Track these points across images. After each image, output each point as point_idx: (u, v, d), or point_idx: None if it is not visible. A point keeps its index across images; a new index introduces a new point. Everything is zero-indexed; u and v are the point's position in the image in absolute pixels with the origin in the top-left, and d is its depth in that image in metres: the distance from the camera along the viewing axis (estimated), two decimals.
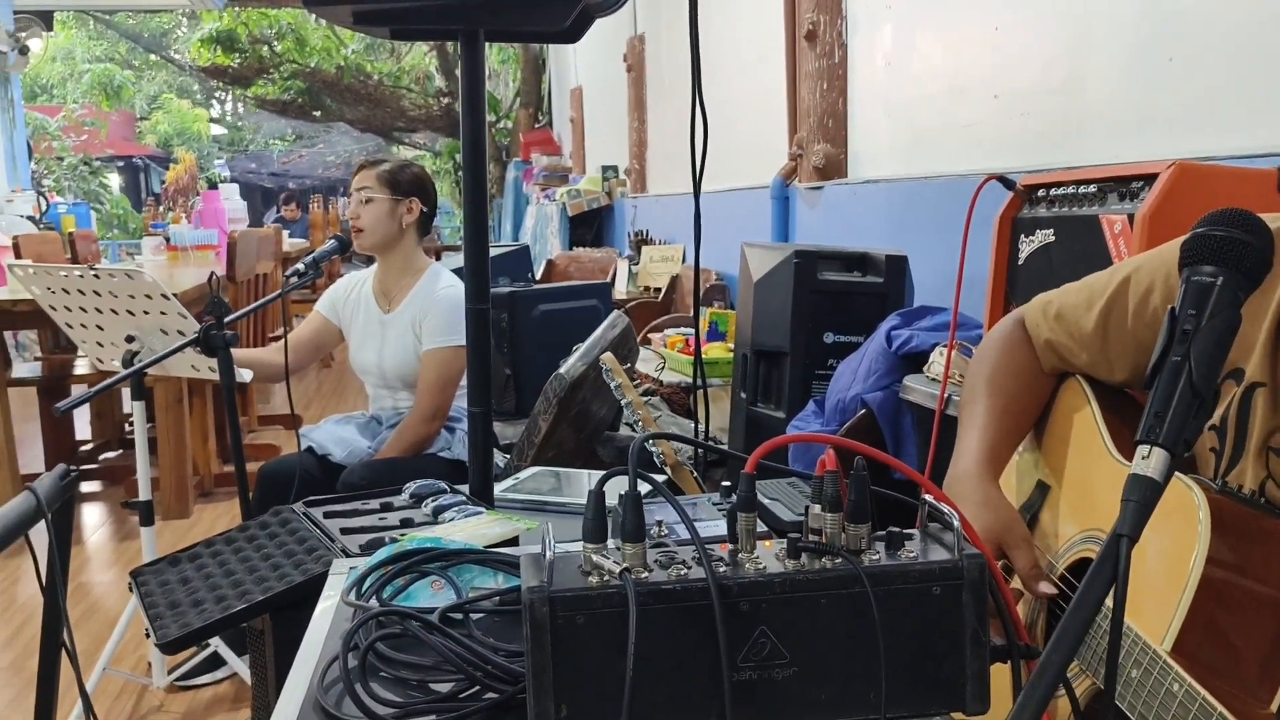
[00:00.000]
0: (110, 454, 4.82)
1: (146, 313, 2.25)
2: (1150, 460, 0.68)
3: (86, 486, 4.46)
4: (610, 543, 0.85)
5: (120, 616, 2.40)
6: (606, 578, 0.82)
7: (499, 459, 2.60)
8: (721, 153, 5.46)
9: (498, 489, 1.74)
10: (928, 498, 0.89)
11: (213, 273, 2.17)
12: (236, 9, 13.01)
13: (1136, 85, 2.16)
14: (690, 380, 3.66)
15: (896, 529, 0.88)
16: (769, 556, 0.85)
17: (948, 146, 3.00)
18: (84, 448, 4.72)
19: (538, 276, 6.88)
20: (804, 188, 3.95)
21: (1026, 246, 1.73)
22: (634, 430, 1.70)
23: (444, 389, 2.50)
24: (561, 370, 2.51)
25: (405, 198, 2.62)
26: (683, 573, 0.83)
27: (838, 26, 3.66)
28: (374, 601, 1.06)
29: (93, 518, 4.09)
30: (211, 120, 22.99)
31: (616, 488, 0.84)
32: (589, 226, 8.13)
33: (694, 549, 0.85)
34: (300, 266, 2.33)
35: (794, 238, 4.07)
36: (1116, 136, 2.23)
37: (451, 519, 1.45)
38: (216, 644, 2.37)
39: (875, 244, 2.95)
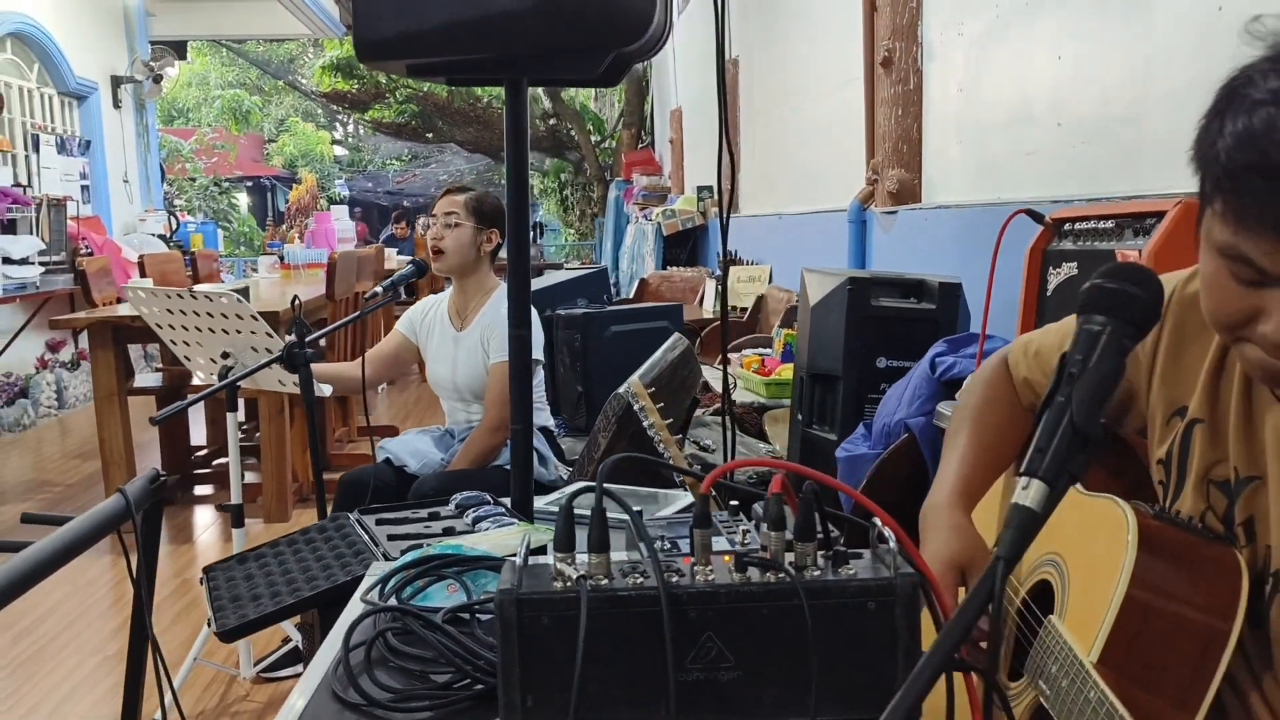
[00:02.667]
0: (223, 460, 5.12)
1: (239, 331, 2.45)
2: (1030, 491, 0.74)
3: (199, 489, 4.76)
4: (586, 555, 0.95)
5: (200, 636, 2.60)
6: (569, 583, 0.92)
7: (564, 472, 2.72)
8: (805, 175, 5.54)
9: (541, 502, 1.86)
10: (876, 521, 0.96)
11: (295, 296, 2.35)
12: None
13: (1196, 116, 2.16)
14: (764, 400, 3.73)
15: (843, 548, 0.95)
16: (722, 569, 0.94)
17: (1014, 173, 3.02)
18: (198, 453, 5.03)
19: (631, 294, 7.04)
20: (880, 212, 3.98)
21: (1054, 278, 1.76)
22: (656, 445, 1.79)
23: (509, 401, 2.63)
24: (621, 390, 2.61)
25: (487, 228, 2.78)
26: (639, 581, 0.92)
27: (913, 53, 3.70)
28: (393, 600, 1.18)
29: (203, 518, 4.37)
30: (333, 142, 23.98)
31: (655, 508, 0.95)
32: (683, 246, 8.25)
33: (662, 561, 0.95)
34: (378, 289, 2.50)
35: (870, 262, 4.10)
36: (1176, 166, 2.23)
37: (486, 529, 1.57)
38: (296, 639, 2.55)
39: (945, 269, 2.98)
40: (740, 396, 3.74)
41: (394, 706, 0.97)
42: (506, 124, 1.66)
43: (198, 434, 5.25)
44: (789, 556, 0.94)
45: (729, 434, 2.16)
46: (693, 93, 9.00)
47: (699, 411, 3.50)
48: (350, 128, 25.32)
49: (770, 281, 5.79)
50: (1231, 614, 0.84)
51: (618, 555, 0.96)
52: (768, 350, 4.39)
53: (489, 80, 1.68)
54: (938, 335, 2.46)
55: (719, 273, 6.69)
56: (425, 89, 14.29)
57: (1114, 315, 0.77)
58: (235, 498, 2.53)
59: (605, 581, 0.92)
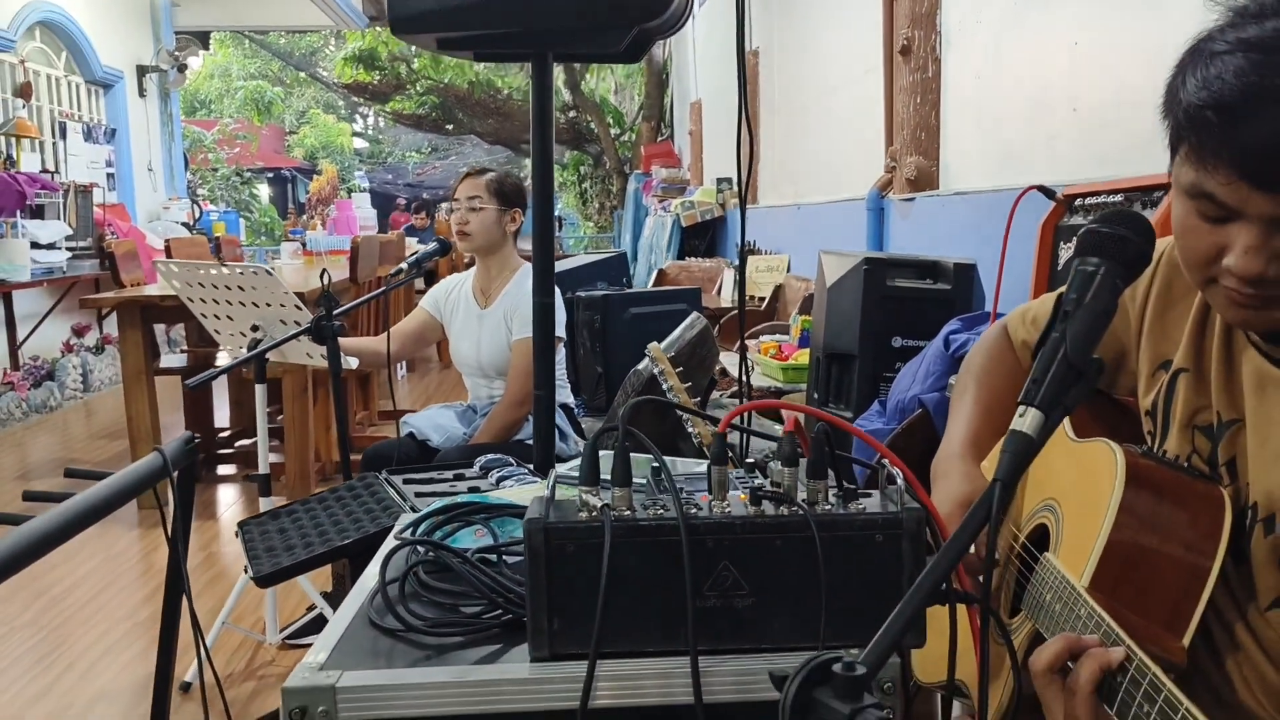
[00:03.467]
0: (246, 441, 5.21)
1: (269, 305, 2.52)
2: (1026, 418, 0.80)
3: (222, 469, 4.85)
4: (611, 489, 1.01)
5: (240, 578, 2.68)
6: (594, 514, 0.98)
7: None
8: (824, 164, 5.58)
9: (561, 469, 1.92)
10: (884, 462, 1.02)
11: (324, 270, 2.42)
12: (378, 28, 13.71)
13: None
14: (780, 385, 3.78)
15: (852, 486, 1.01)
16: (737, 504, 1.00)
17: (1031, 159, 3.06)
18: (222, 434, 5.12)
19: (649, 284, 7.10)
20: (897, 199, 4.02)
21: (1066, 253, 1.81)
22: (685, 424, 1.85)
23: (531, 376, 2.69)
24: (640, 366, 2.67)
25: (510, 208, 2.84)
26: (659, 513, 0.98)
27: (931, 41, 3.74)
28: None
29: (227, 496, 4.46)
30: (354, 134, 24.16)
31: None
32: (702, 237, 8.30)
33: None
34: (402, 266, 2.57)
35: (888, 248, 4.14)
36: None
37: (510, 486, 1.63)
38: (321, 606, 2.62)
39: (961, 255, 3.02)
40: (757, 381, 3.79)
41: (429, 631, 1.03)
42: (533, 98, 1.72)
43: (221, 416, 5.35)
44: (802, 493, 0.99)
45: (746, 441, 2.21)
46: (712, 85, 9.04)
47: (716, 394, 3.55)
48: (371, 119, 25.48)
49: (788, 271, 5.84)
50: (1215, 542, 0.89)
51: (640, 492, 1.02)
52: (785, 336, 4.43)
53: (515, 56, 1.75)
54: (952, 315, 2.51)
55: (737, 263, 6.75)
56: (446, 80, 14.39)
57: (1107, 256, 0.83)
58: (263, 468, 2.60)
59: (628, 513, 0.98)
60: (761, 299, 5.80)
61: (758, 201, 7.20)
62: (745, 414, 1.41)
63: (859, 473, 1.66)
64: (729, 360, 4.15)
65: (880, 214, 4.21)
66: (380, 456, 2.67)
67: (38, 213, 6.21)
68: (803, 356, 3.90)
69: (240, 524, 1.68)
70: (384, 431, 5.25)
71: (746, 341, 4.78)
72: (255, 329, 2.54)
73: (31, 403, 6.26)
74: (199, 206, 9.07)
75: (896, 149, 3.99)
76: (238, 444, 5.14)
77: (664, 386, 1.75)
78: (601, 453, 1.02)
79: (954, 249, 3.37)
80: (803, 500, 0.99)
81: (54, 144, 7.37)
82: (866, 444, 1.90)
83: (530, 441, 2.73)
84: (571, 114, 14.10)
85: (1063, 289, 0.86)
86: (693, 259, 7.58)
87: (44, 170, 6.75)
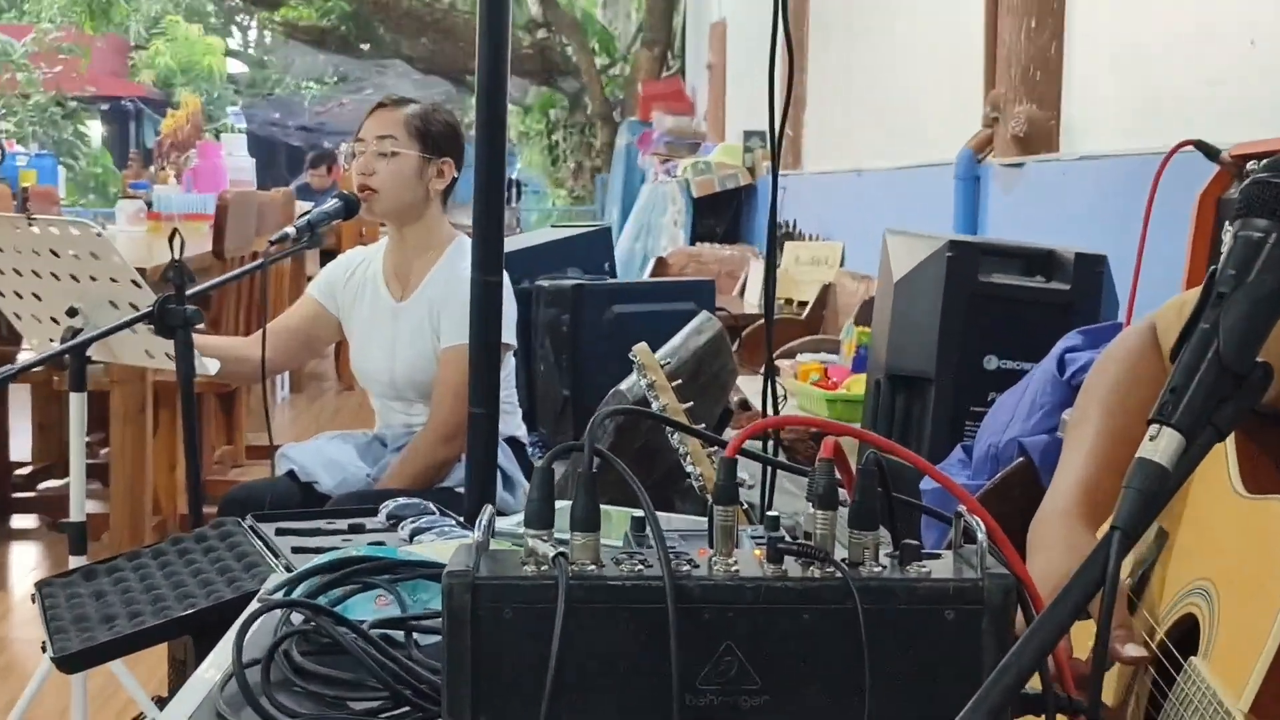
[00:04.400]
0: (54, 483, 5.21)
1: (94, 279, 2.53)
2: (1158, 442, 0.81)
3: (18, 520, 4.85)
4: (569, 535, 1.02)
5: (36, 675, 2.67)
6: (544, 567, 0.98)
7: None
8: (897, 115, 5.66)
9: (504, 523, 1.92)
10: (961, 509, 1.03)
11: (175, 230, 2.43)
12: None
13: None
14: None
15: (914, 542, 1.02)
16: (749, 560, 1.01)
17: (1190, 110, 3.09)
18: (18, 470, 5.12)
19: (644, 276, 7.15)
20: (1000, 164, 4.06)
21: None
22: (684, 462, 1.85)
23: (467, 399, 2.70)
24: (623, 387, 2.69)
25: (437, 157, 2.85)
26: (637, 569, 0.99)
27: None
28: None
29: (24, 557, 4.46)
30: (228, 54, 24.26)
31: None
32: (720, 214, 8.35)
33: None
34: (290, 230, 2.58)
35: (982, 231, 4.18)
36: None
37: (429, 541, 1.64)
38: (151, 714, 2.61)
39: (1086, 243, 3.05)
40: (791, 410, 3.82)
41: None
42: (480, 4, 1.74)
43: (19, 445, 5.34)
44: (840, 548, 1.00)
45: (770, 469, 2.21)
46: (742, 1, 9.12)
47: (731, 432, 3.57)
48: (253, 34, 25.58)
49: (842, 265, 5.88)
50: None
51: (610, 540, 1.03)
52: (833, 356, 4.47)
53: None
54: (1071, 325, 2.53)
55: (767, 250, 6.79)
56: None
57: None
58: (76, 513, 2.60)
59: (592, 568, 0.98)
60: (802, 304, 5.82)
61: (801, 166, 7.24)
62: (767, 433, 1.42)
63: (927, 527, 1.67)
64: (752, 387, 4.17)
65: (974, 185, 4.25)
66: (246, 501, 2.68)
67: None
68: (858, 384, 3.93)
69: (39, 584, 1.68)
70: (256, 473, 5.25)
71: (776, 361, 4.84)
72: (73, 313, 2.55)
73: None
74: (1, 147, 9.10)
75: (1001, 94, 4.03)
76: (41, 486, 5.13)
77: (654, 406, 1.76)
78: (560, 504, 1.03)
79: (1076, 234, 3.39)
80: (843, 559, 1.00)
81: None
82: (936, 485, 1.93)
83: (461, 490, 2.74)
84: (540, 34, 14.19)
85: (1217, 265, 0.87)
86: (706, 244, 7.62)
87: None
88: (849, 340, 4.11)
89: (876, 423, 2.82)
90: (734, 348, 3.59)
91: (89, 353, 2.52)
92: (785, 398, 3.98)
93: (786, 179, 7.28)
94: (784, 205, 7.21)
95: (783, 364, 4.50)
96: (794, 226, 6.75)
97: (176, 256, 2.36)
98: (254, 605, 1.22)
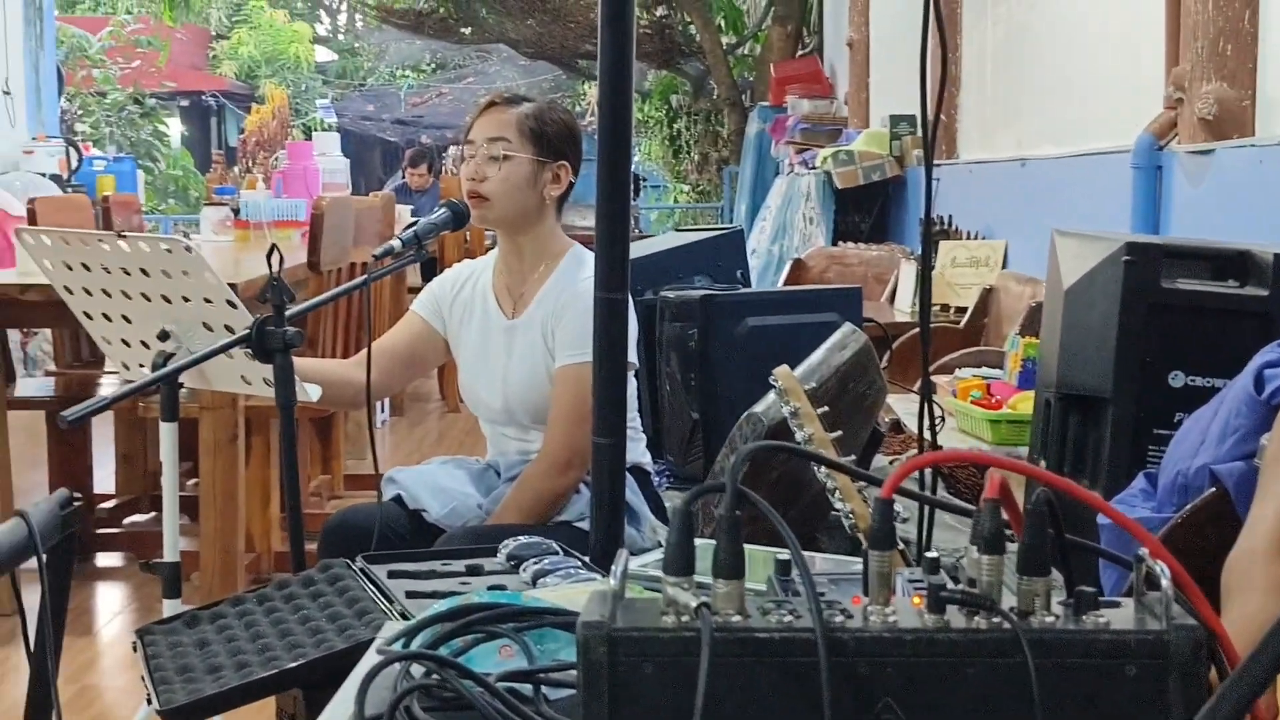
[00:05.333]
0: (139, 517, 5.38)
1: (186, 299, 2.63)
2: None
3: (103, 559, 5.01)
4: (712, 582, 1.06)
5: (139, 713, 2.77)
6: (685, 618, 1.02)
7: (663, 536, 2.83)
8: (1064, 97, 5.61)
9: (636, 563, 1.98)
10: (1143, 553, 1.05)
11: (274, 246, 2.52)
12: None
13: None
14: (988, 447, 3.79)
15: (1092, 590, 1.04)
16: (908, 610, 1.04)
17: None
18: (103, 505, 5.29)
19: (780, 283, 7.17)
20: (1185, 151, 4.02)
21: None
22: (832, 498, 1.87)
23: (584, 422, 2.74)
24: (759, 409, 2.72)
25: (553, 160, 2.91)
26: (786, 620, 1.02)
27: None
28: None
29: (110, 599, 4.60)
30: (315, 41, 24.79)
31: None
32: (865, 210, 8.34)
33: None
34: (395, 243, 2.65)
35: (1166, 229, 4.14)
36: None
37: (553, 584, 1.69)
38: None
39: None
40: (950, 440, 3.81)
41: None
42: None
43: (103, 478, 5.52)
44: (1009, 596, 1.03)
45: (928, 521, 2.23)
46: None
47: (882, 457, 3.58)
48: (343, 18, 26.10)
49: (1004, 266, 5.84)
50: None
51: (753, 583, 1.06)
52: (997, 372, 4.44)
53: None
54: (1270, 336, 2.50)
55: (920, 252, 6.76)
56: None
57: None
58: (170, 552, 2.69)
59: (738, 619, 1.02)
60: (959, 310, 5.80)
61: (956, 155, 7.21)
62: (927, 470, 1.44)
63: (1105, 567, 1.67)
64: (904, 405, 4.17)
65: (1155, 175, 4.20)
66: (350, 530, 2.76)
67: None
68: (1025, 402, 3.90)
69: (140, 632, 1.76)
70: (354, 502, 5.37)
71: (933, 378, 4.82)
72: (165, 337, 2.65)
73: None
74: (78, 150, 9.40)
75: (1186, 71, 3.99)
76: (126, 521, 5.29)
77: (798, 436, 1.78)
78: (700, 542, 1.07)
79: (1276, 232, 3.36)
80: (1011, 608, 1.02)
81: None
82: (1116, 526, 1.93)
83: (583, 524, 2.79)
84: (660, 12, 14.26)
85: None
86: (850, 244, 7.61)
87: None
88: (1014, 352, 4.09)
89: (1046, 447, 2.81)
90: (883, 362, 3.59)
91: (181, 380, 2.62)
92: (943, 418, 3.97)
93: (940, 169, 7.26)
94: (938, 199, 7.19)
95: (939, 379, 4.48)
96: (949, 223, 6.72)
97: (275, 274, 2.44)
98: (375, 658, 1.27)
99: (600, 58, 1.81)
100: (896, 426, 4.21)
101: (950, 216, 6.74)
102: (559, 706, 1.26)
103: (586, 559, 1.86)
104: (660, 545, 2.79)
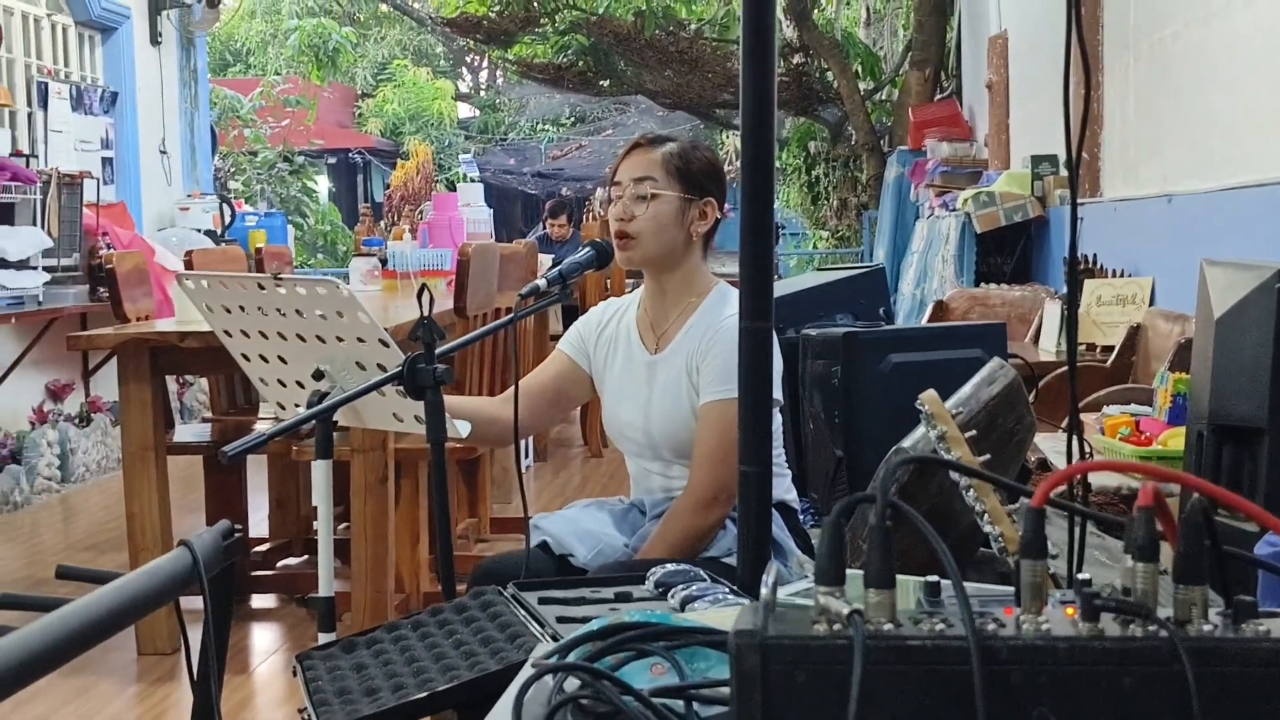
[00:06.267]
0: (292, 560, 5.50)
1: (340, 339, 2.69)
2: None
3: (258, 600, 5.13)
4: (864, 592, 1.07)
5: None
6: (837, 626, 1.03)
7: (809, 570, 2.83)
8: (1213, 128, 5.52)
9: (784, 592, 1.98)
10: None
11: (424, 286, 2.57)
12: None
13: None
14: (1138, 485, 3.73)
15: (1249, 599, 1.03)
16: (1061, 619, 1.03)
17: None
18: (258, 549, 5.42)
19: (923, 320, 7.14)
20: None
21: None
22: (981, 521, 1.86)
23: (729, 458, 2.76)
24: (906, 444, 2.71)
25: (699, 197, 2.94)
26: (938, 628, 1.02)
27: None
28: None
29: (264, 640, 4.71)
30: (458, 97, 25.26)
31: None
32: (1008, 251, 8.28)
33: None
34: (540, 282, 2.70)
35: None
36: None
37: (701, 609, 1.70)
38: None
39: None
40: (1100, 479, 3.76)
41: None
42: (744, 26, 1.82)
43: (257, 521, 5.66)
44: (1166, 606, 1.02)
45: (1078, 531, 2.20)
46: (1025, 9, 9.04)
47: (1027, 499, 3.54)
48: (484, 75, 26.53)
49: (1151, 303, 5.75)
50: None
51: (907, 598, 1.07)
52: (1145, 408, 4.37)
53: None
54: None
55: (1065, 291, 6.68)
56: (600, 10, 14.85)
57: None
58: (325, 587, 2.75)
59: (889, 627, 1.03)
60: (1106, 349, 5.72)
61: (1099, 193, 7.12)
62: (1073, 487, 1.43)
63: (1266, 583, 1.64)
64: (1051, 445, 4.12)
65: None
66: (497, 572, 2.79)
67: (5, 215, 6.78)
68: (1176, 439, 3.84)
69: (300, 656, 1.80)
70: (501, 549, 5.43)
71: (1081, 417, 4.74)
72: (319, 376, 2.72)
73: None
74: (231, 207, 9.68)
75: None
76: (280, 564, 5.41)
77: (947, 456, 1.78)
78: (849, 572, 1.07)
79: None
80: (1167, 618, 1.01)
81: (29, 114, 8.05)
82: (1275, 549, 1.90)
83: (730, 559, 2.80)
84: (796, 60, 14.31)
85: None
86: (992, 285, 7.55)
87: (15, 153, 7.38)
88: (1164, 388, 4.02)
89: (1203, 477, 2.77)
90: (1030, 400, 3.56)
91: (335, 418, 2.68)
92: (1091, 455, 3.92)
93: (1084, 208, 7.18)
94: (1082, 238, 7.11)
95: (1086, 418, 4.42)
96: (1094, 261, 6.64)
97: (425, 313, 2.49)
98: (529, 670, 1.30)
99: (741, 88, 1.84)
100: (1044, 465, 4.16)
101: (1095, 255, 6.66)
102: None
103: (734, 587, 1.86)
104: (807, 579, 2.80)
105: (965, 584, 1.88)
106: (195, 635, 1.93)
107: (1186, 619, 1.01)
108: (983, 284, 7.76)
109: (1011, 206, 8.07)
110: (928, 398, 1.84)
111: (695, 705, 1.30)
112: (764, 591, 1.07)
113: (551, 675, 1.29)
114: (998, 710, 1.00)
